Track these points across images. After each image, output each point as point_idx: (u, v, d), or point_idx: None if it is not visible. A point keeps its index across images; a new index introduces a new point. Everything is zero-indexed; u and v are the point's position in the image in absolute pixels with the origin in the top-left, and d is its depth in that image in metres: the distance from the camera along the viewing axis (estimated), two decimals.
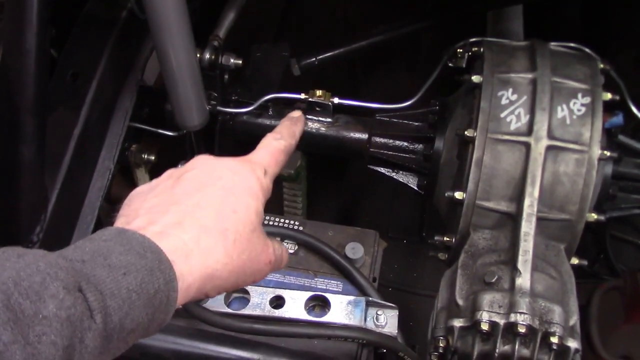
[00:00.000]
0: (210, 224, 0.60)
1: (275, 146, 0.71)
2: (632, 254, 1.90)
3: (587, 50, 1.06)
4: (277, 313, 0.86)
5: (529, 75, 0.94)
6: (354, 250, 0.96)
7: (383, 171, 1.09)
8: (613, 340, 1.54)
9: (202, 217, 0.60)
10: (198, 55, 1.00)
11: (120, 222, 0.60)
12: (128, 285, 0.51)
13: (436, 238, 1.01)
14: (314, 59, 1.27)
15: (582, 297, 1.57)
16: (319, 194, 1.45)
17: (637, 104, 1.07)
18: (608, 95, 0.94)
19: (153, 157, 1.11)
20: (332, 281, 0.94)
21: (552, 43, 1.04)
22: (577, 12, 2.26)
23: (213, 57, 1.02)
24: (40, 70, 0.80)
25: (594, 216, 0.93)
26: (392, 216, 1.93)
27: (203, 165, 0.65)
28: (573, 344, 0.81)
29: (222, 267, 0.59)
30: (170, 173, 0.65)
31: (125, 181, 1.14)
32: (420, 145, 1.05)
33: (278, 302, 0.88)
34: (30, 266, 0.47)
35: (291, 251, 0.98)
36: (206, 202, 0.61)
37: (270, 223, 1.01)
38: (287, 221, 1.01)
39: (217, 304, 0.87)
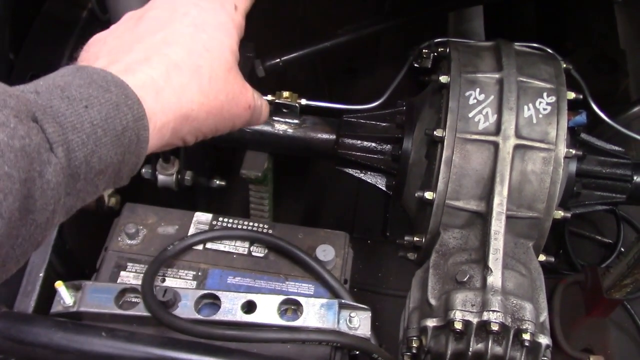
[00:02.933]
0: (180, 60, 0.55)
1: None
2: (590, 249, 1.95)
3: (550, 50, 1.08)
4: (249, 318, 0.85)
5: (496, 75, 0.95)
6: (325, 252, 0.95)
7: (351, 172, 1.09)
8: (574, 333, 1.58)
9: (171, 54, 0.55)
10: None
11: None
12: (91, 120, 0.46)
13: (406, 238, 1.00)
14: (279, 60, 1.25)
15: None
16: (283, 194, 1.44)
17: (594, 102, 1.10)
18: (572, 95, 0.96)
19: None
20: (304, 284, 0.93)
21: (516, 43, 1.05)
22: (532, 12, 2.31)
23: None
24: None
25: (560, 213, 0.94)
26: (356, 216, 1.94)
27: (165, 2, 0.60)
28: (544, 340, 0.82)
29: (197, 107, 0.55)
30: (130, 15, 0.60)
31: None
32: (389, 145, 1.05)
33: (249, 307, 0.86)
34: None
35: (261, 255, 0.96)
36: (174, 38, 0.56)
37: (239, 227, 0.99)
38: (255, 224, 1.00)
39: (187, 311, 0.85)
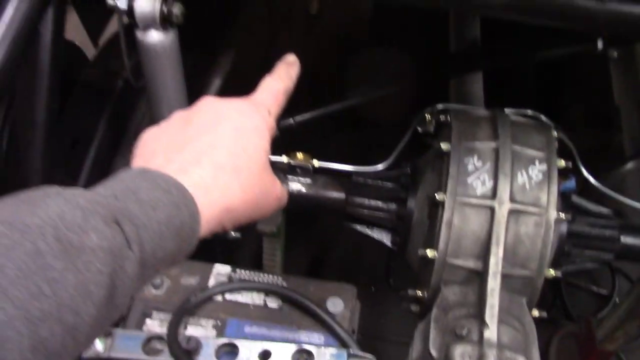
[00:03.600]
0: (224, 162, 0.65)
1: (276, 87, 0.75)
2: (586, 299, 2.02)
3: (543, 117, 1.17)
4: None
5: (492, 144, 1.04)
6: (335, 304, 1.03)
7: (359, 228, 1.17)
8: None
9: (216, 156, 0.65)
10: None
11: (138, 161, 0.65)
12: (158, 219, 0.56)
13: (409, 292, 1.08)
14: (292, 120, 1.35)
15: (540, 342, 1.67)
16: (290, 243, 1.52)
17: (586, 158, 1.18)
18: (562, 163, 1.05)
19: None
20: (315, 334, 1.01)
21: (511, 110, 1.14)
22: (531, 69, 2.41)
23: None
24: (47, 141, 0.86)
25: (551, 272, 1.02)
26: (360, 264, 2.01)
27: (210, 107, 0.69)
28: None
29: (238, 201, 0.64)
30: (179, 115, 0.69)
31: None
32: (394, 205, 1.13)
33: (265, 355, 0.94)
34: (72, 202, 0.52)
35: (276, 306, 1.04)
36: (219, 141, 0.66)
37: (255, 279, 1.07)
38: (270, 277, 1.08)
39: (208, 358, 0.93)
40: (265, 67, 0.85)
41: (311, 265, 1.96)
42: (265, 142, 0.70)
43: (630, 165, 1.81)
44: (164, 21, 0.93)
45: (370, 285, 1.97)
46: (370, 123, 2.10)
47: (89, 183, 1.02)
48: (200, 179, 0.62)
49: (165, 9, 0.92)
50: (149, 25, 0.92)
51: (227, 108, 0.69)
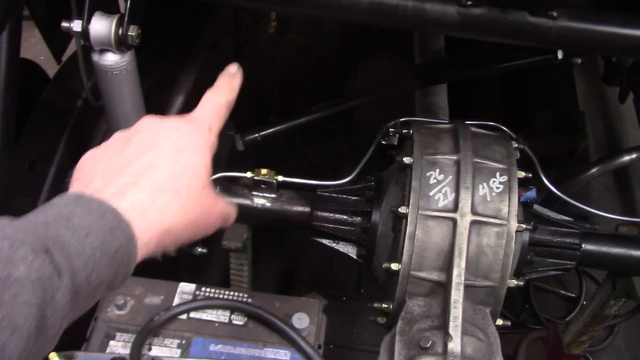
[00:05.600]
0: (163, 182, 0.64)
1: (218, 101, 0.74)
2: (555, 303, 2.05)
3: (504, 129, 1.19)
4: None
5: (454, 157, 1.05)
6: (300, 320, 1.03)
7: (325, 242, 1.18)
8: None
9: (155, 176, 0.64)
10: None
11: (76, 186, 0.63)
12: (91, 244, 0.55)
13: (375, 305, 1.09)
14: (257, 135, 1.35)
15: (510, 347, 1.69)
16: (261, 255, 1.52)
17: (554, 162, 1.20)
18: (522, 174, 1.06)
19: None
20: (281, 350, 1.01)
21: (472, 123, 1.16)
22: (497, 78, 2.44)
23: None
24: (3, 162, 0.84)
25: (514, 282, 1.03)
26: (331, 274, 2.01)
27: (149, 127, 0.68)
28: None
29: (177, 222, 0.64)
30: (118, 136, 0.68)
31: None
32: (359, 218, 1.14)
33: None
34: None
35: (241, 323, 1.04)
36: (158, 162, 0.65)
37: (220, 296, 1.07)
38: (236, 294, 1.08)
39: None
40: None
41: (282, 278, 1.95)
42: (205, 161, 0.69)
43: (594, 170, 1.84)
44: (120, 44, 0.92)
45: (342, 296, 1.97)
46: (340, 134, 2.12)
47: None
48: (137, 201, 0.61)
49: (120, 32, 0.91)
50: (104, 48, 0.91)
51: (166, 128, 0.68)
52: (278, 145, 1.88)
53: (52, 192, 0.98)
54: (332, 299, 1.95)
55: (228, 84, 0.77)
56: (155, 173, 0.64)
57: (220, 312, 1.05)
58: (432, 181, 1.04)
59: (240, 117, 1.52)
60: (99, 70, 0.91)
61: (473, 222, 1.00)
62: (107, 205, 0.59)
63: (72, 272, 0.53)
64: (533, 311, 1.96)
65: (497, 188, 1.03)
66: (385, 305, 1.07)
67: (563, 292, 2.06)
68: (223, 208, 0.72)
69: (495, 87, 2.45)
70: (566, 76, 2.43)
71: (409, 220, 1.01)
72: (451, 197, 1.02)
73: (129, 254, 0.59)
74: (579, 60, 1.59)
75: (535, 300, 1.97)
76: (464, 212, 1.00)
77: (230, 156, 1.28)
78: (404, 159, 1.06)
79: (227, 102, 0.75)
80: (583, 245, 1.15)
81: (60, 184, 1.01)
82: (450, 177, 1.04)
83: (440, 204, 1.02)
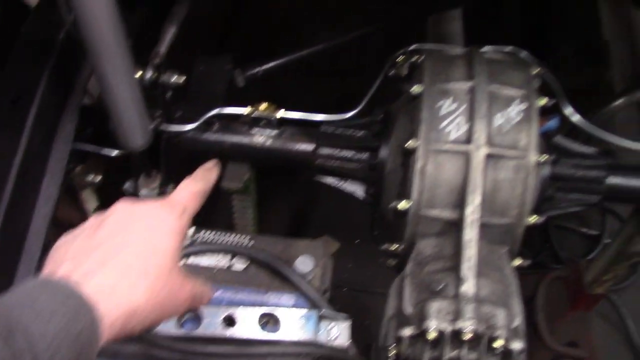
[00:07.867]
0: (132, 262, 0.65)
1: (194, 188, 0.79)
2: (575, 241, 1.98)
3: (523, 54, 1.09)
4: (230, 332, 0.87)
5: (467, 84, 0.96)
6: (304, 263, 0.97)
7: (330, 181, 1.11)
8: (559, 328, 1.61)
9: (125, 256, 0.65)
10: (139, 75, 1.00)
11: (48, 267, 0.66)
12: (54, 328, 0.56)
13: (384, 246, 1.03)
14: (258, 69, 1.27)
15: (529, 288, 1.64)
16: (270, 200, 1.46)
17: (578, 95, 1.11)
18: (543, 101, 0.98)
19: (99, 178, 1.10)
20: (285, 295, 0.96)
21: (489, 48, 1.07)
22: (517, 6, 2.31)
23: (154, 76, 1.02)
24: None
25: (533, 219, 0.96)
26: (344, 217, 1.95)
27: (123, 209, 0.71)
28: (517, 345, 0.84)
29: (144, 303, 0.64)
30: (93, 220, 0.71)
31: (72, 203, 1.12)
32: (366, 154, 1.07)
33: (230, 321, 0.88)
34: None
35: (242, 268, 0.98)
36: (128, 243, 0.67)
37: (220, 240, 1.01)
38: (236, 237, 1.02)
39: (170, 326, 0.87)
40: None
41: (293, 221, 1.90)
42: (176, 244, 0.70)
43: (620, 101, 1.75)
44: None
45: (355, 239, 1.92)
46: (344, 69, 2.02)
47: (32, 143, 0.95)
48: (104, 282, 0.63)
49: None
50: None
51: (140, 209, 0.71)
52: (284, 86, 1.80)
53: (34, 130, 0.92)
54: (345, 242, 1.89)
55: (204, 175, 0.83)
56: (125, 252, 0.66)
57: (220, 256, 0.99)
58: (443, 112, 0.95)
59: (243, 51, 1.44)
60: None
61: (488, 155, 0.92)
62: (72, 289, 0.60)
63: (34, 355, 0.53)
64: (552, 250, 1.89)
65: (516, 117, 0.95)
66: (395, 247, 1.01)
67: (584, 230, 1.98)
68: (191, 290, 0.72)
69: (515, 17, 2.33)
70: (590, 4, 2.30)
71: (418, 154, 0.93)
72: (465, 128, 0.94)
73: (92, 336, 0.59)
74: None
75: (554, 239, 1.90)
76: (479, 144, 0.92)
77: (231, 92, 1.20)
78: (413, 88, 0.98)
79: (203, 190, 0.79)
80: (608, 179, 1.06)
81: (44, 122, 0.94)
82: (464, 106, 0.95)
83: (453, 136, 0.94)
